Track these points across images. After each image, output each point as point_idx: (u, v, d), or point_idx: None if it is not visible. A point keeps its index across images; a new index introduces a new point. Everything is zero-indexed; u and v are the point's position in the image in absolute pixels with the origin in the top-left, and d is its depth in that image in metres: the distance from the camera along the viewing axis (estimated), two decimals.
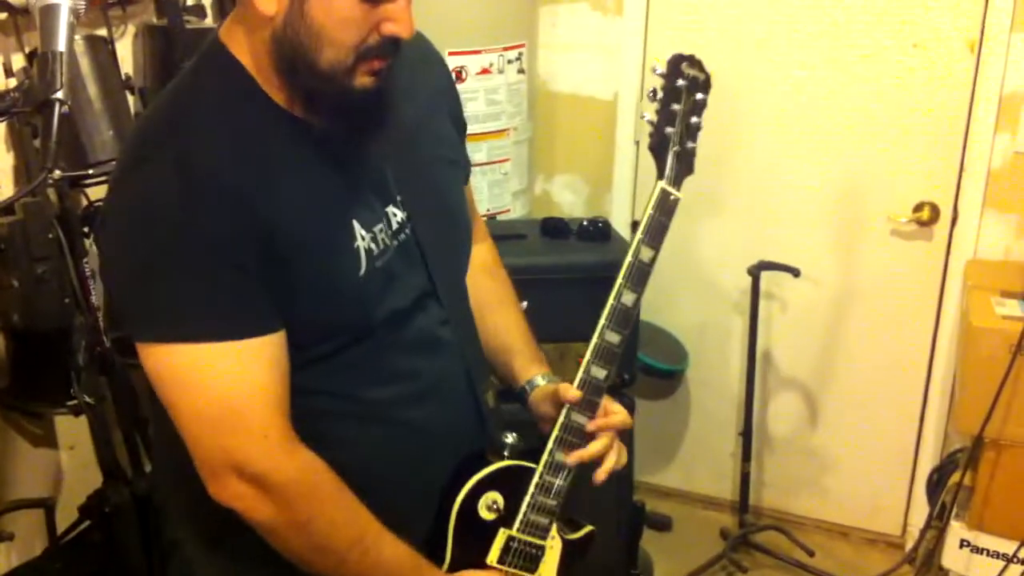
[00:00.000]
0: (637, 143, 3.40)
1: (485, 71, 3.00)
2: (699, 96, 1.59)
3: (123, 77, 2.43)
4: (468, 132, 2.87)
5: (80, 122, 2.21)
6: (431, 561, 1.52)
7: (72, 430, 2.57)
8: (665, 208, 1.61)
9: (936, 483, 3.08)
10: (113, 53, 2.42)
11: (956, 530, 2.76)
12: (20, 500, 2.33)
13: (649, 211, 1.60)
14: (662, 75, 1.58)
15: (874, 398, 3.35)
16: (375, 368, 1.48)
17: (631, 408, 2.58)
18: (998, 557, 2.70)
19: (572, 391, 1.59)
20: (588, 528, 1.72)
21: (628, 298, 1.59)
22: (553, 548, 1.65)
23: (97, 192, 2.39)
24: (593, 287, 2.49)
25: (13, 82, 2.25)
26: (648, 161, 3.06)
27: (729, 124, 3.29)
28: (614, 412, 1.64)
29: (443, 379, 1.56)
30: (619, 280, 1.58)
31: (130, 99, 2.46)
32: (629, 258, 1.59)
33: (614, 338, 1.60)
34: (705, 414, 3.63)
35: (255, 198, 1.31)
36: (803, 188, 3.27)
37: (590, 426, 1.61)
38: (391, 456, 1.52)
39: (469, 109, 2.94)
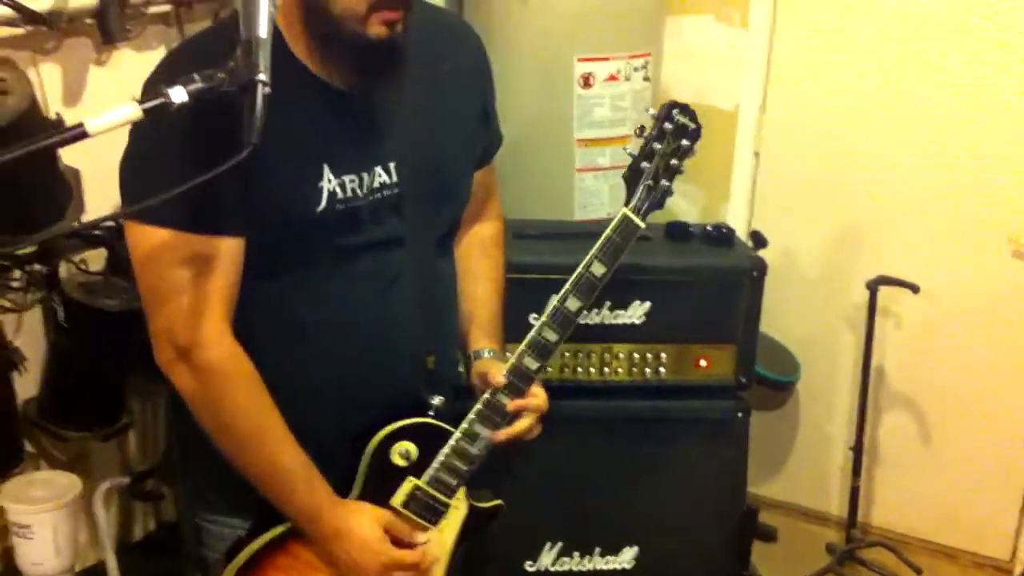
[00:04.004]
0: (756, 154, 3.45)
1: (612, 78, 3.06)
2: (684, 142, 1.72)
3: None
4: (593, 136, 3.02)
5: None
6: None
7: None
8: (624, 233, 1.72)
9: None
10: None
11: None
12: (170, 464, 2.46)
13: (608, 231, 1.72)
14: (653, 116, 1.70)
15: (989, 420, 3.32)
16: (316, 291, 1.63)
17: (747, 412, 2.63)
18: None
19: (499, 376, 1.73)
20: (496, 501, 1.85)
21: (572, 304, 1.72)
22: (458, 508, 1.78)
23: None
24: (716, 291, 2.60)
25: None
26: (768, 172, 3.10)
27: (852, 138, 3.31)
28: (535, 395, 1.78)
29: (385, 326, 1.69)
30: (567, 286, 1.71)
31: None
32: (580, 268, 1.71)
33: (551, 336, 1.72)
34: (814, 428, 3.64)
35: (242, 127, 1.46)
36: (923, 204, 3.26)
37: (511, 406, 1.74)
38: (322, 379, 1.68)
39: (595, 114, 3.02)
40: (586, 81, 3.02)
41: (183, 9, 2.39)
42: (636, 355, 2.53)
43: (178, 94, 1.20)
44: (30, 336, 2.23)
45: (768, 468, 3.71)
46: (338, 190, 1.58)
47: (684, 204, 3.64)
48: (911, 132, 3.24)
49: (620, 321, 2.50)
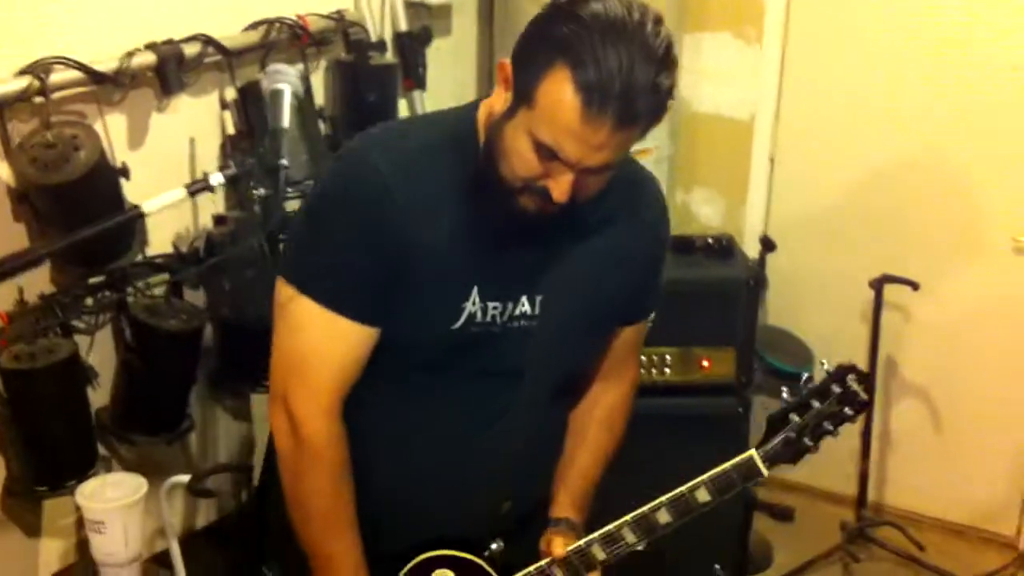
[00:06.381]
0: (771, 160, 3.66)
1: None
2: (847, 410, 1.57)
3: (317, 108, 2.82)
4: None
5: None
6: None
7: (265, 407, 2.93)
8: (744, 472, 1.61)
9: None
10: (309, 87, 2.79)
11: None
12: (226, 464, 2.76)
13: (728, 465, 1.61)
14: (826, 372, 1.59)
15: (993, 405, 3.52)
16: (423, 402, 1.66)
17: (747, 408, 2.86)
18: None
19: (560, 549, 1.71)
20: None
21: (663, 517, 1.64)
22: None
23: (292, 205, 2.79)
24: (717, 299, 2.83)
25: (227, 114, 2.68)
26: (782, 177, 3.21)
27: (859, 143, 3.52)
28: None
29: (474, 456, 1.69)
30: (663, 498, 1.63)
31: (321, 126, 2.86)
32: (684, 488, 1.62)
33: (630, 538, 1.66)
34: None
35: (410, 225, 1.53)
36: (928, 204, 3.47)
37: None
38: (394, 485, 1.70)
39: None
40: None
41: (233, 58, 2.66)
42: (643, 357, 2.76)
43: (216, 179, 1.48)
44: (102, 354, 2.49)
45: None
46: (479, 313, 1.60)
47: (706, 208, 3.86)
48: (914, 135, 3.44)
49: None
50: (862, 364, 3.41)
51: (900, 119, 3.44)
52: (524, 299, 1.64)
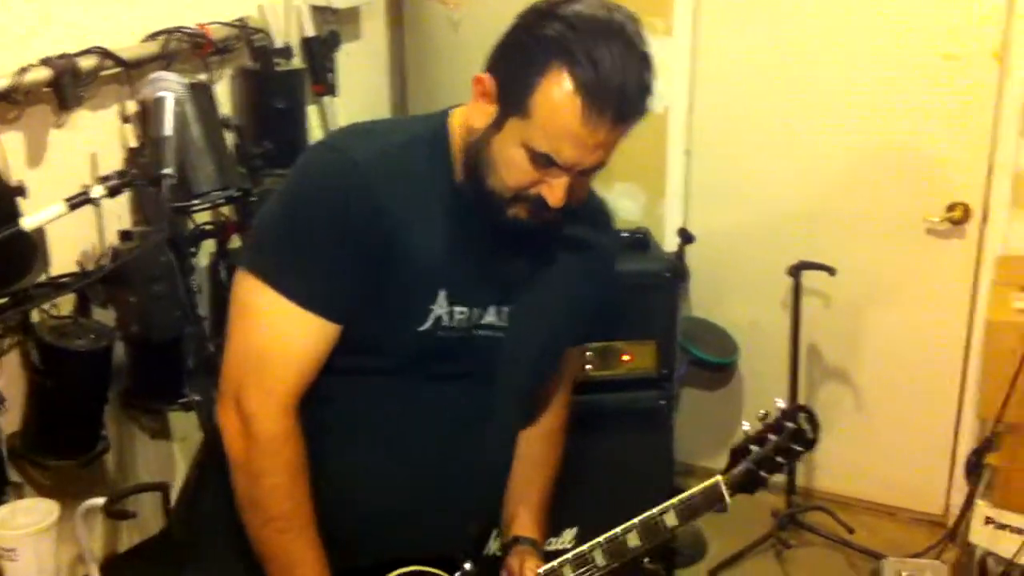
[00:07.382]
0: (687, 153, 3.68)
1: None
2: (795, 447, 1.71)
3: (221, 117, 2.78)
4: None
5: (186, 159, 2.52)
6: None
7: (183, 424, 2.93)
8: (708, 497, 1.69)
9: (974, 465, 3.28)
10: (212, 96, 2.75)
11: (981, 508, 2.97)
12: (142, 484, 2.70)
13: (694, 490, 1.69)
14: (780, 409, 1.72)
15: (916, 386, 3.57)
16: (388, 403, 1.63)
17: (670, 400, 2.87)
18: (1019, 533, 2.90)
19: (531, 572, 1.72)
20: None
21: (632, 540, 1.67)
22: None
23: (202, 217, 2.75)
24: (631, 292, 2.83)
25: (128, 127, 2.63)
26: (699, 169, 3.22)
27: (774, 133, 3.54)
28: None
29: (445, 468, 1.67)
30: (634, 521, 1.67)
31: (227, 135, 2.81)
32: (655, 511, 1.67)
33: (600, 560, 1.68)
34: (759, 403, 3.80)
35: (385, 222, 1.50)
36: (843, 192, 3.51)
37: None
38: (363, 491, 1.65)
39: None
40: None
41: (133, 70, 2.61)
42: None
43: (97, 191, 1.44)
44: (10, 377, 2.43)
45: (717, 442, 3.94)
46: (445, 317, 1.58)
47: (627, 202, 3.86)
48: (828, 123, 3.46)
49: None
50: (784, 350, 3.57)
51: (813, 107, 3.47)
52: (492, 308, 1.64)
